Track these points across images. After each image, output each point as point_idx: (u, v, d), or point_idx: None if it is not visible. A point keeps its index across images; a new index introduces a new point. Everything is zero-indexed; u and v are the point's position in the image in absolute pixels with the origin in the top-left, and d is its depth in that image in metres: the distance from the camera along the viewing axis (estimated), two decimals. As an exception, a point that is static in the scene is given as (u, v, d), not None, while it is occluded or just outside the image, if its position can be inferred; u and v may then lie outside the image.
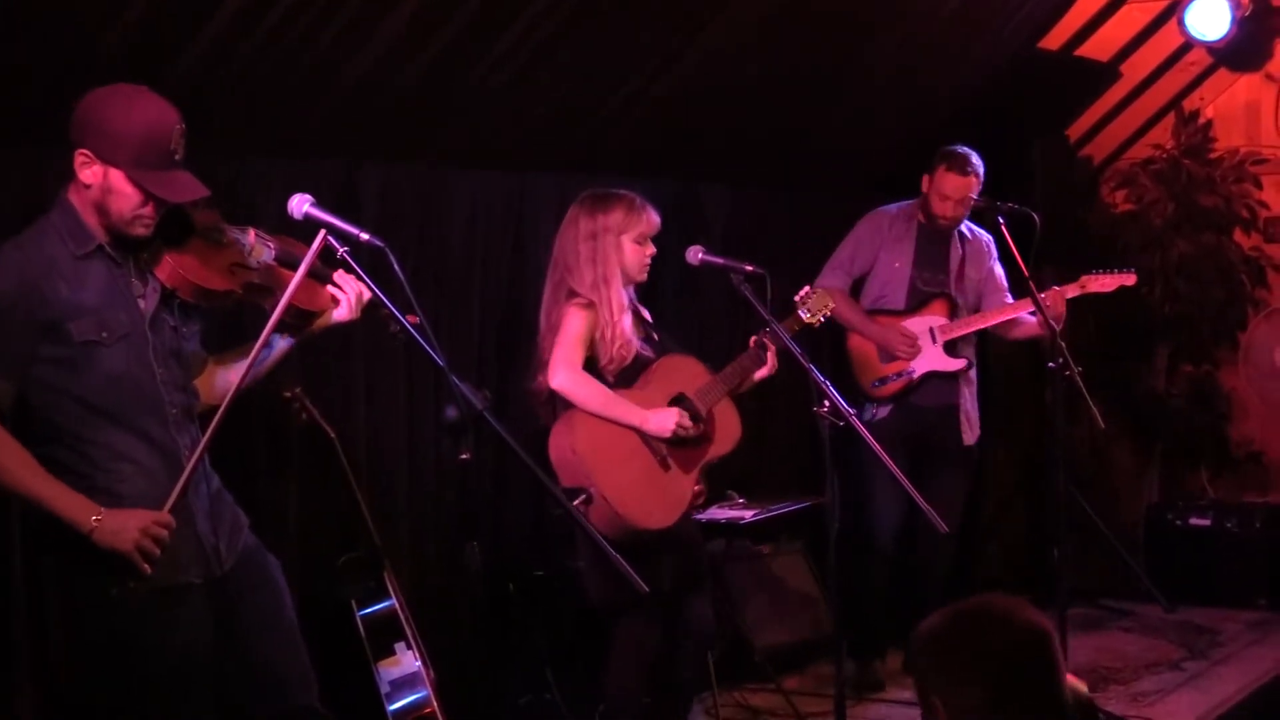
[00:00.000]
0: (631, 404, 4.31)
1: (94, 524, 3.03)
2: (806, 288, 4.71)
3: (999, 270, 5.87)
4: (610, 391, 4.30)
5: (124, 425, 3.17)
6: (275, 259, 3.33)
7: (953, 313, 5.72)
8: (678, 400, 4.39)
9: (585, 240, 4.33)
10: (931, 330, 5.68)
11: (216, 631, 3.28)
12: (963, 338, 5.73)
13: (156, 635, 3.18)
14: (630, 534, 4.19)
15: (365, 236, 3.17)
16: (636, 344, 4.35)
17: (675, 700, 4.60)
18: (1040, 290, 5.49)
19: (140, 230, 3.17)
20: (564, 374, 4.26)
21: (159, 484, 3.19)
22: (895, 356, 5.66)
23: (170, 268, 3.21)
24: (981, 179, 5.64)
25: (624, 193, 4.40)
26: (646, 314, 4.56)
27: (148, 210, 3.15)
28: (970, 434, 5.83)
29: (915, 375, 5.68)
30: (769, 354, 4.45)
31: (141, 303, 3.21)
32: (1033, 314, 5.62)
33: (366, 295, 3.35)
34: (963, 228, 5.80)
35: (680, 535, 4.40)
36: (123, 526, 3.05)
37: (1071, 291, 5.61)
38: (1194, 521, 7.06)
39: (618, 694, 4.43)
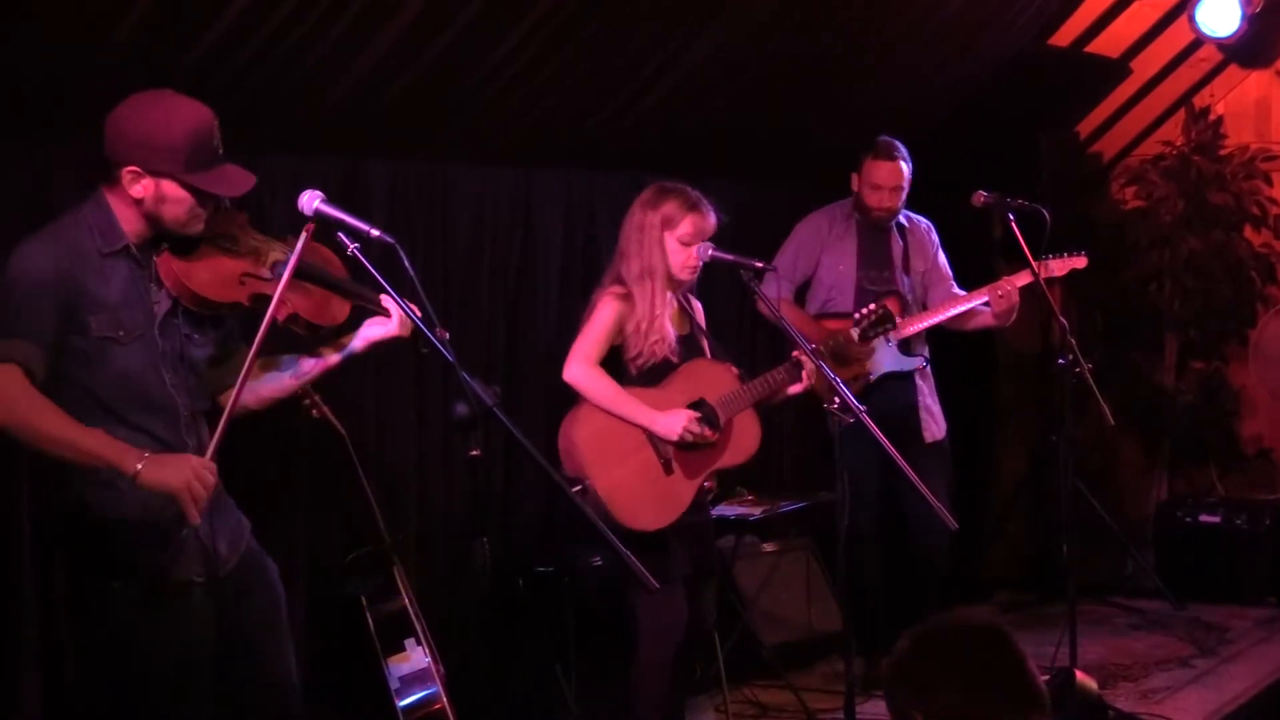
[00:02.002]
0: (642, 403, 4.29)
1: (140, 466, 3.02)
2: (872, 305, 4.66)
3: (943, 260, 5.81)
4: (621, 389, 4.29)
5: (130, 424, 3.18)
6: (294, 271, 3.24)
7: (903, 310, 5.66)
8: (697, 405, 4.36)
9: (636, 231, 4.34)
10: None
11: (216, 631, 3.29)
12: (915, 334, 5.68)
13: (158, 629, 3.19)
14: (621, 531, 4.18)
15: (375, 233, 3.17)
16: (672, 342, 4.32)
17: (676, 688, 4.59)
18: (992, 280, 5.49)
19: (197, 227, 3.20)
20: (576, 367, 4.27)
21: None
22: (851, 360, 5.60)
23: (173, 275, 3.21)
24: (910, 165, 5.59)
25: (683, 191, 4.37)
26: (701, 316, 4.52)
27: (201, 208, 3.18)
28: (935, 429, 5.75)
29: (872, 378, 5.60)
30: (804, 372, 4.39)
31: (156, 307, 3.22)
32: (986, 305, 5.56)
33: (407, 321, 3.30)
34: (901, 218, 5.74)
35: (693, 527, 4.38)
36: (170, 466, 3.05)
37: (1024, 279, 5.57)
38: (1203, 519, 7.04)
39: (641, 672, 4.40)
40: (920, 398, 5.71)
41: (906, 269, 5.73)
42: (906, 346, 5.66)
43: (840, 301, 5.68)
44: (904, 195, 5.63)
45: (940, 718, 2.24)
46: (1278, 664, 5.91)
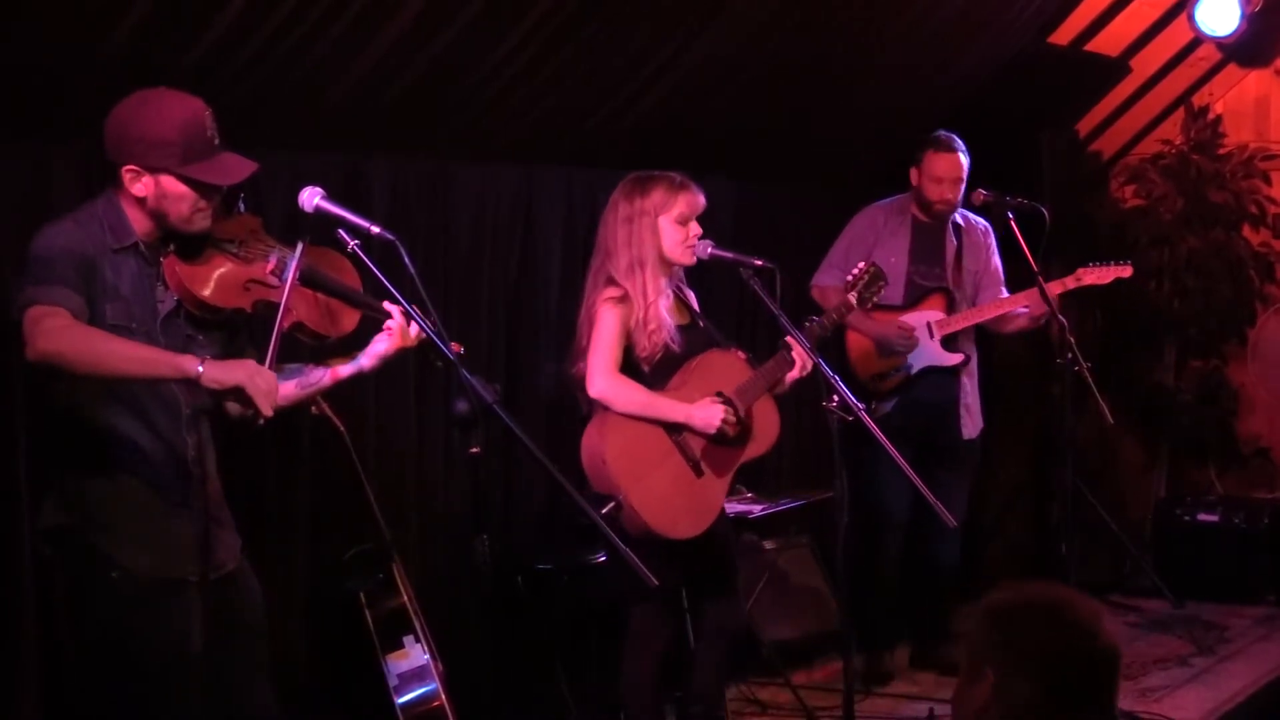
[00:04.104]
0: (674, 401, 4.26)
1: (201, 369, 3.02)
2: (861, 264, 4.66)
3: (996, 262, 5.84)
4: (650, 392, 4.26)
5: (137, 415, 3.20)
6: (299, 278, 3.22)
7: (950, 307, 5.67)
8: (717, 398, 4.32)
9: (623, 224, 4.28)
10: (929, 325, 5.64)
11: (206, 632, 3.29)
12: (962, 331, 5.69)
13: (150, 622, 3.20)
14: (658, 540, 4.18)
15: (376, 230, 3.16)
16: (670, 328, 4.29)
17: (698, 704, 4.57)
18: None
19: (202, 223, 3.20)
20: (601, 380, 4.23)
21: (162, 477, 3.23)
22: (893, 352, 5.63)
23: (176, 279, 3.21)
24: (969, 157, 5.62)
25: (665, 174, 4.34)
26: (694, 301, 4.50)
27: (204, 202, 3.18)
28: (972, 428, 5.80)
29: (912, 370, 5.64)
30: (794, 354, 4.35)
31: (160, 306, 3.23)
32: (1025, 309, 5.60)
33: (415, 328, 3.30)
34: (957, 217, 5.76)
35: (708, 534, 4.35)
36: (230, 364, 3.06)
37: (1068, 285, 5.59)
38: (1202, 517, 7.05)
39: (630, 682, 4.43)
40: (962, 394, 5.74)
41: (959, 267, 5.74)
42: (950, 342, 5.67)
43: (890, 294, 5.65)
44: (963, 188, 5.64)
45: (1007, 687, 2.15)
46: (1276, 663, 5.92)
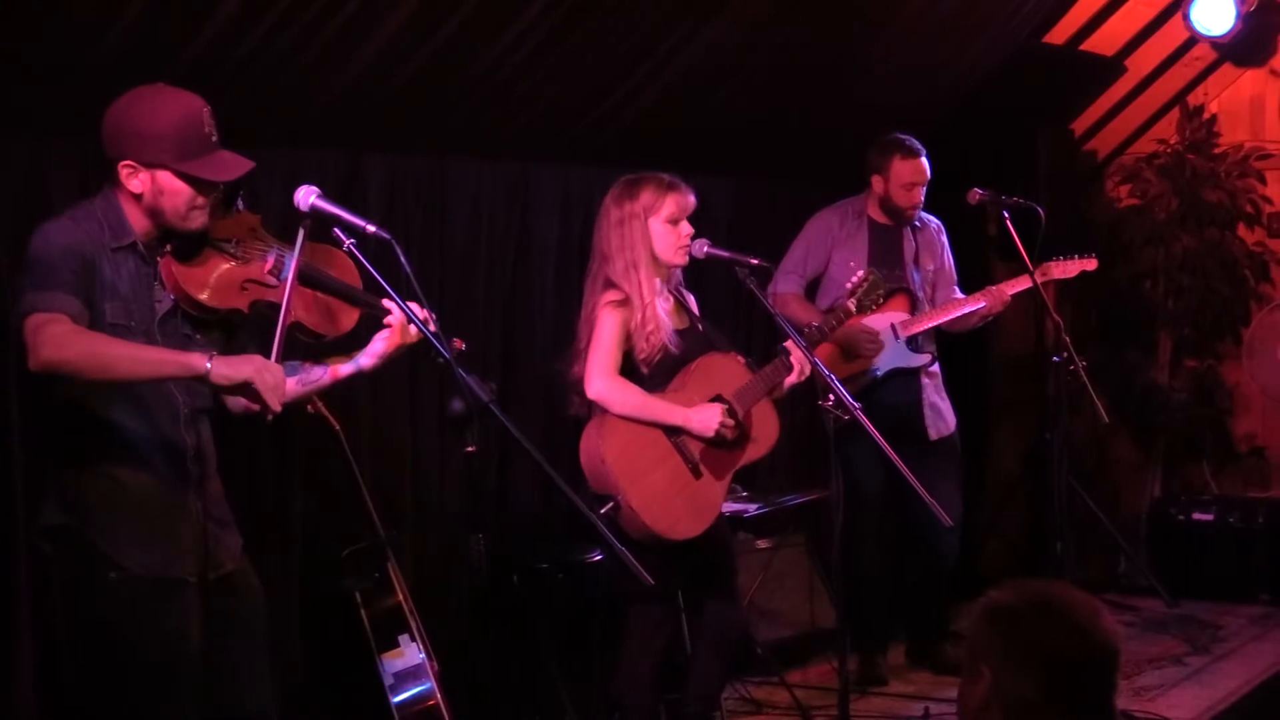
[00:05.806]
0: (671, 404, 4.26)
1: (209, 365, 3.02)
2: (860, 272, 4.66)
3: (950, 262, 5.82)
4: (647, 394, 4.26)
5: (137, 414, 3.19)
6: (297, 277, 3.20)
7: (913, 307, 5.64)
8: (715, 401, 4.32)
9: (615, 228, 4.29)
10: (893, 326, 5.59)
11: (205, 631, 3.28)
12: (923, 332, 5.67)
13: (148, 622, 3.19)
14: (658, 541, 4.18)
15: (371, 229, 3.16)
16: (668, 330, 4.29)
17: (695, 705, 4.56)
18: (986, 277, 5.50)
19: (199, 219, 3.19)
20: (599, 381, 4.23)
21: (162, 476, 3.22)
22: (857, 356, 5.60)
23: (173, 279, 3.20)
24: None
25: (653, 175, 4.34)
26: (693, 303, 4.50)
27: (201, 199, 3.18)
28: (942, 427, 5.73)
29: (879, 373, 5.59)
30: (793, 358, 4.35)
31: (158, 305, 3.23)
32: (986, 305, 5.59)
33: (414, 327, 3.29)
34: None
35: (707, 536, 4.35)
36: (237, 360, 3.07)
37: (1017, 286, 5.58)
38: (1196, 516, 7.06)
39: (627, 683, 4.43)
40: (925, 395, 5.70)
41: (917, 267, 5.73)
42: (914, 343, 5.65)
43: None
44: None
45: (1005, 686, 2.14)
46: (1271, 662, 5.92)
